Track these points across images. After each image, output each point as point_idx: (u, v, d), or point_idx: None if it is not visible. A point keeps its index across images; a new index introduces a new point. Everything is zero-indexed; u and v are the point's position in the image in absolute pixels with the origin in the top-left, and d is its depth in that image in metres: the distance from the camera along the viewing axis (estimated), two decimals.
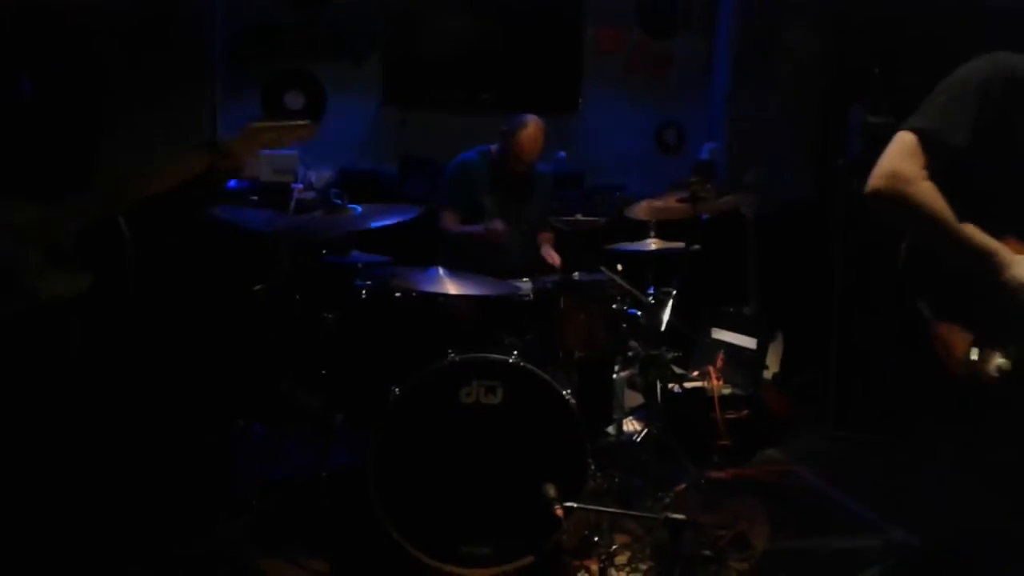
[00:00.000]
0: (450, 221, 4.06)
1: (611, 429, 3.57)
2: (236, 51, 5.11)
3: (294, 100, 5.21)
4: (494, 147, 4.13)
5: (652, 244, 3.71)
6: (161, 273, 2.51)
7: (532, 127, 3.96)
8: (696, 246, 3.57)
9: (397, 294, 3.32)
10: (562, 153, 5.30)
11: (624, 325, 3.51)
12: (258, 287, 3.55)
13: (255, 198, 4.55)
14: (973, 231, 1.98)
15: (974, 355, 1.98)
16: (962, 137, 1.99)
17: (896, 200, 1.99)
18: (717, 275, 4.73)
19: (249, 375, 3.82)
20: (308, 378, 3.57)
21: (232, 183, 4.69)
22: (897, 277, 2.12)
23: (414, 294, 3.30)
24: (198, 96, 4.63)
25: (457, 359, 2.93)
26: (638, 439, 3.50)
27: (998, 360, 1.97)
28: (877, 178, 1.99)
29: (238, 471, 3.50)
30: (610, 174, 5.63)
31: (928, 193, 1.98)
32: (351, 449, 3.36)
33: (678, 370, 3.97)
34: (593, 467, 3.00)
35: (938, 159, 2.00)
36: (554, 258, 4.03)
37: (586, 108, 5.65)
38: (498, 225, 3.89)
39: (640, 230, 3.83)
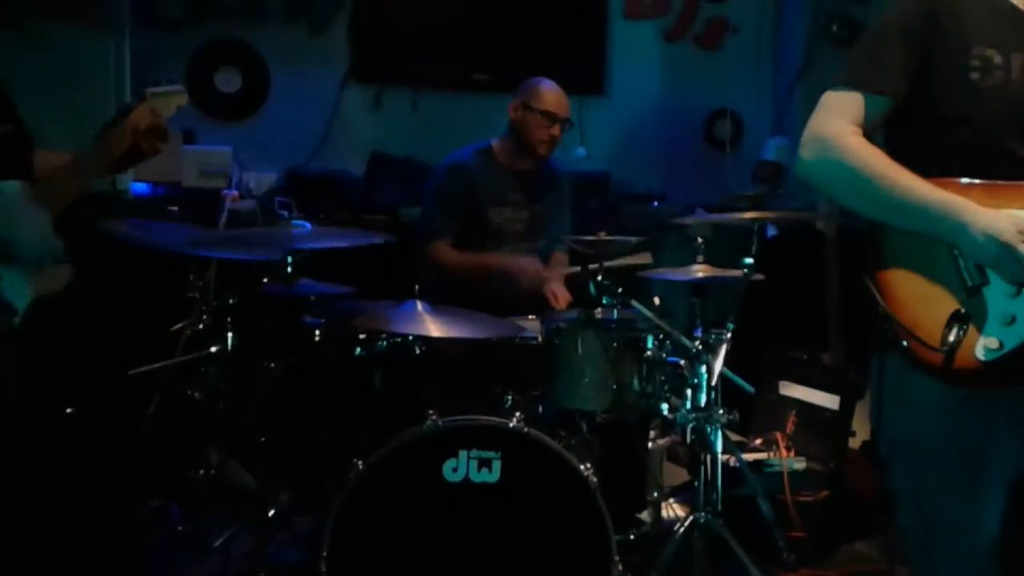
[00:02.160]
0: (444, 251, 4.03)
1: (645, 516, 3.55)
2: (155, 13, 5.13)
3: (228, 79, 5.23)
4: (495, 141, 4.14)
5: (700, 271, 3.70)
6: (48, 309, 2.54)
7: (548, 81, 4.06)
8: (759, 274, 3.55)
9: (361, 336, 3.31)
10: (581, 150, 5.32)
11: (662, 377, 3.48)
12: (177, 327, 3.55)
13: (174, 209, 4.56)
14: (923, 186, 2.07)
15: (952, 335, 2.03)
16: (890, 82, 2.14)
17: (824, 167, 2.14)
18: (786, 311, 4.71)
19: (166, 441, 3.81)
20: (242, 446, 3.55)
21: (141, 189, 4.71)
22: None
23: (384, 336, 3.28)
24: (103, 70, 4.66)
25: (440, 423, 2.92)
26: (681, 530, 3.47)
27: (984, 340, 2.00)
28: (802, 149, 2.16)
29: (149, 567, 3.48)
30: (644, 178, 5.64)
31: (858, 149, 2.11)
32: (298, 541, 3.34)
33: (735, 437, 3.94)
34: (621, 568, 2.98)
35: (871, 113, 2.15)
36: (559, 299, 3.99)
37: (613, 91, 5.68)
38: (531, 265, 3.93)
39: (684, 252, 3.81)
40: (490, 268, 3.97)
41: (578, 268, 3.84)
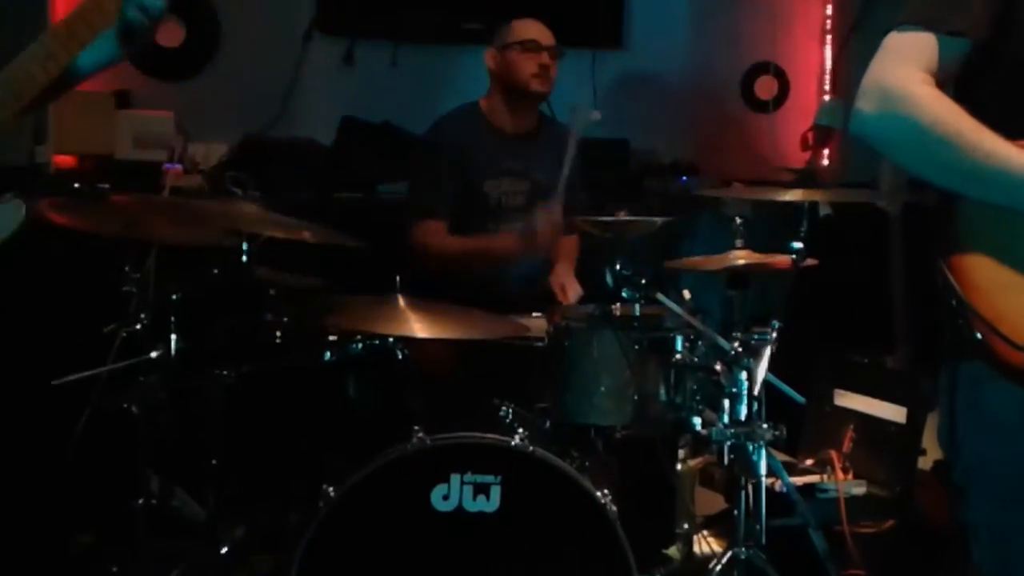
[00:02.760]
0: (439, 236, 4.04)
1: (674, 551, 3.58)
2: None
3: (168, 31, 5.23)
4: (482, 99, 4.14)
5: (740, 257, 3.70)
6: None
7: (528, 20, 4.12)
8: (811, 260, 3.55)
9: (332, 337, 3.32)
10: (596, 113, 5.30)
11: (694, 386, 3.49)
12: (110, 327, 3.54)
13: (105, 186, 4.55)
14: (1010, 149, 2.02)
15: None
16: (971, 21, 2.09)
17: (887, 123, 2.09)
18: (843, 306, 4.71)
19: (97, 465, 3.81)
20: (189, 471, 3.55)
21: (65, 161, 4.71)
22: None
23: (360, 338, 3.28)
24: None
25: (428, 441, 2.92)
26: (717, 567, 3.48)
27: None
28: (860, 100, 2.10)
29: None
30: (670, 147, 5.65)
31: (931, 102, 2.06)
32: None
33: (781, 457, 3.94)
34: None
35: (945, 59, 2.10)
36: (568, 293, 3.98)
37: (633, 42, 5.68)
38: (543, 221, 3.90)
39: (721, 235, 3.82)
40: (500, 253, 3.97)
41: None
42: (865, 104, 2.11)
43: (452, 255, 4.00)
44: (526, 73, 4.05)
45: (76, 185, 4.32)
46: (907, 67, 2.10)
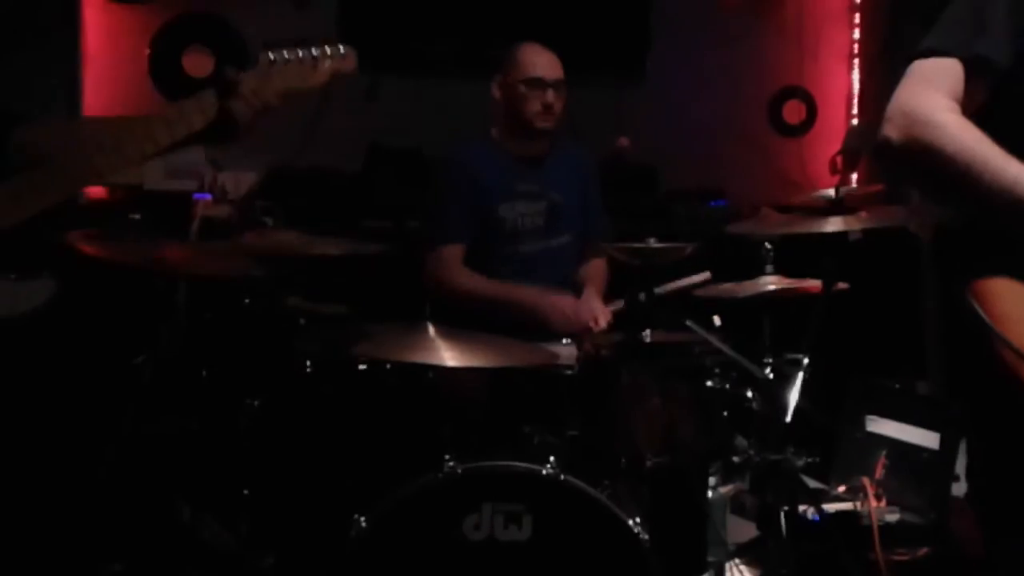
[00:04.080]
0: (457, 266, 3.98)
1: None
2: None
3: (196, 61, 5.27)
4: (494, 129, 4.15)
5: (771, 283, 3.70)
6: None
7: (532, 45, 4.08)
8: (841, 284, 3.55)
9: (362, 366, 3.33)
10: (623, 140, 5.32)
11: (725, 413, 3.48)
12: (140, 359, 3.56)
13: (136, 217, 4.59)
14: None
15: None
16: (996, 47, 2.09)
17: (915, 150, 2.08)
18: (874, 331, 4.69)
19: (129, 495, 3.82)
20: (220, 501, 3.56)
21: (96, 193, 4.74)
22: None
23: (390, 367, 3.29)
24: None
25: (459, 470, 2.92)
26: None
27: None
28: (885, 126, 2.11)
29: None
30: (698, 173, 5.65)
31: (956, 129, 2.06)
32: None
33: (813, 484, 3.93)
34: None
35: (971, 85, 2.11)
36: (598, 319, 3.96)
37: (657, 71, 5.69)
38: (567, 304, 3.86)
39: (751, 261, 3.81)
40: (516, 303, 3.90)
41: (621, 303, 3.84)
42: (890, 131, 2.11)
43: (465, 292, 3.93)
44: (530, 112, 4.01)
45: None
46: (933, 93, 2.11)
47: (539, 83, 3.99)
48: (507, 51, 4.10)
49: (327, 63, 2.66)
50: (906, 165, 2.13)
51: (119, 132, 2.51)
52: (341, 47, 2.68)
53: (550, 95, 4.00)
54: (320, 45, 2.65)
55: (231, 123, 2.53)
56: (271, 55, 2.57)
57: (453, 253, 3.99)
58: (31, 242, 2.56)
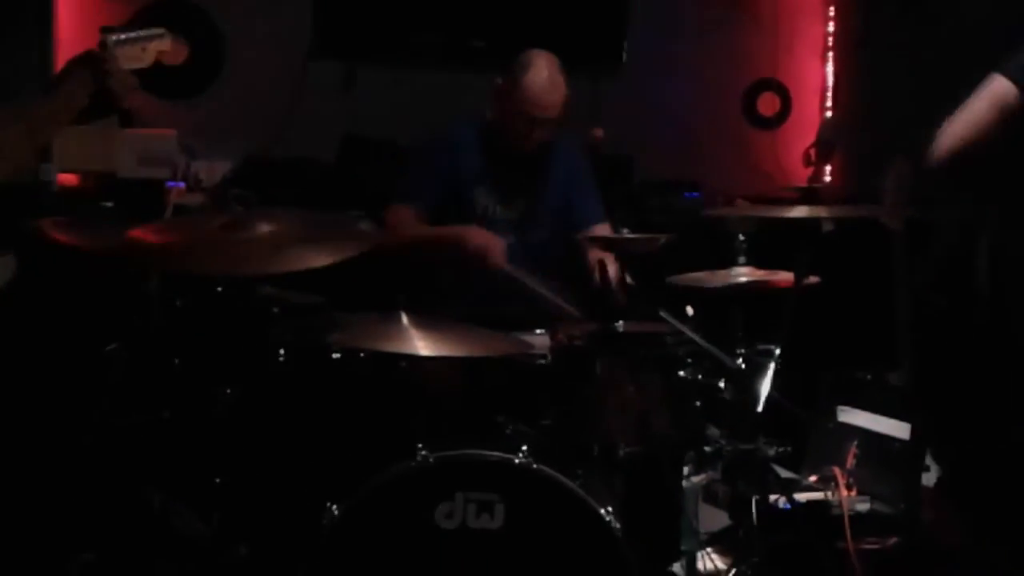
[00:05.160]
0: (403, 219, 4.05)
1: (678, 569, 3.56)
2: None
3: (174, 52, 5.23)
4: (489, 114, 4.15)
5: (743, 274, 3.71)
6: None
7: (543, 65, 4.00)
8: (813, 277, 3.56)
9: (336, 355, 3.32)
10: (598, 130, 5.32)
11: (698, 403, 3.49)
12: (111, 347, 3.55)
13: (109, 205, 4.57)
14: None
15: None
16: None
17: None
18: (846, 322, 4.71)
19: (100, 484, 3.80)
20: (192, 489, 3.56)
21: (68, 180, 4.72)
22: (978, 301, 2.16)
23: (363, 356, 3.28)
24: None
25: (432, 459, 2.92)
26: None
27: None
28: (937, 143, 2.17)
29: None
30: (673, 164, 5.65)
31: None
32: None
33: (785, 473, 3.94)
34: None
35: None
36: (609, 270, 3.93)
37: (634, 62, 5.70)
38: (487, 238, 3.89)
39: (723, 251, 3.82)
40: (438, 237, 3.97)
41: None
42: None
43: (407, 239, 3.97)
44: (515, 133, 4.03)
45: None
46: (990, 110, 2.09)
47: (529, 120, 3.98)
48: (518, 60, 4.03)
49: (152, 45, 2.86)
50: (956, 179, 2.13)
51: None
52: (168, 37, 2.92)
53: (540, 132, 4.01)
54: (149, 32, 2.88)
55: (109, 96, 2.71)
56: (112, 37, 2.77)
57: (403, 212, 4.04)
58: None
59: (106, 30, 2.77)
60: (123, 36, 2.77)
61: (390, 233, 4.00)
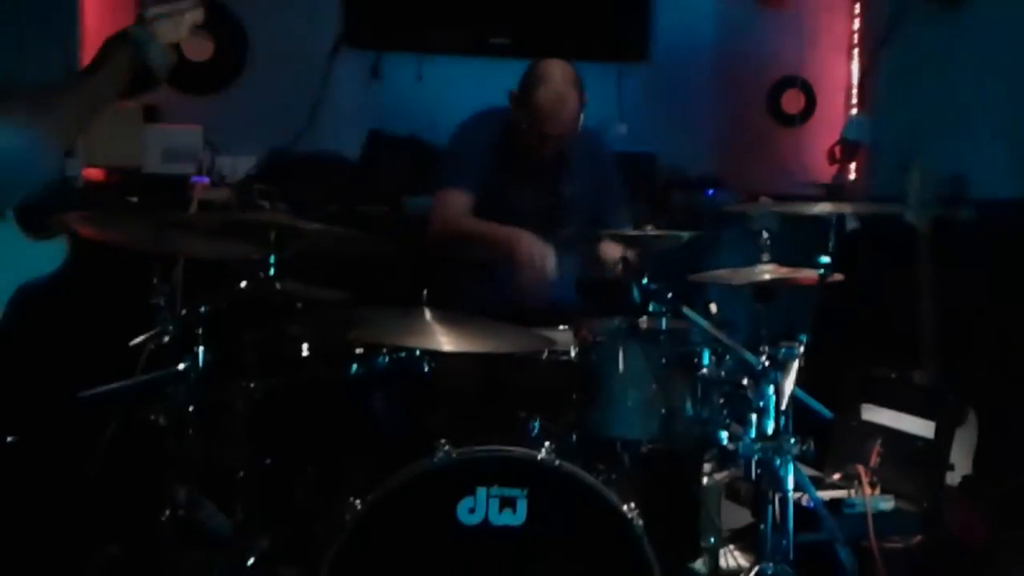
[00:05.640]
0: (458, 208, 4.03)
1: (700, 566, 3.57)
2: None
3: (197, 45, 5.26)
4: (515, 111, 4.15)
5: (765, 272, 3.70)
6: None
7: (554, 76, 3.97)
8: (837, 275, 3.55)
9: (358, 351, 3.33)
10: (622, 127, 5.33)
11: (720, 400, 3.48)
12: (137, 340, 3.56)
13: (134, 200, 4.58)
14: None
15: None
16: None
17: None
18: (870, 321, 4.70)
19: (124, 476, 3.82)
20: (216, 483, 3.56)
21: (94, 175, 4.73)
22: None
23: (386, 351, 3.29)
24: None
25: (454, 455, 2.92)
26: None
27: None
28: None
29: None
30: (696, 161, 5.65)
31: None
32: None
33: (808, 471, 3.93)
34: None
35: None
36: (608, 253, 3.92)
37: (658, 56, 5.68)
38: (539, 247, 3.84)
39: (747, 248, 3.81)
40: (492, 238, 3.95)
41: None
42: None
43: (461, 232, 3.99)
44: (527, 142, 4.04)
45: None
46: None
47: (539, 135, 3.98)
48: (532, 70, 4.02)
49: (187, 17, 2.82)
50: None
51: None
52: (200, 7, 2.86)
53: (551, 144, 4.01)
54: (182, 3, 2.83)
55: (150, 72, 2.69)
56: (150, 11, 2.75)
57: (455, 197, 4.04)
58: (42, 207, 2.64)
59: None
60: (160, 10, 2.76)
61: (446, 222, 4.00)
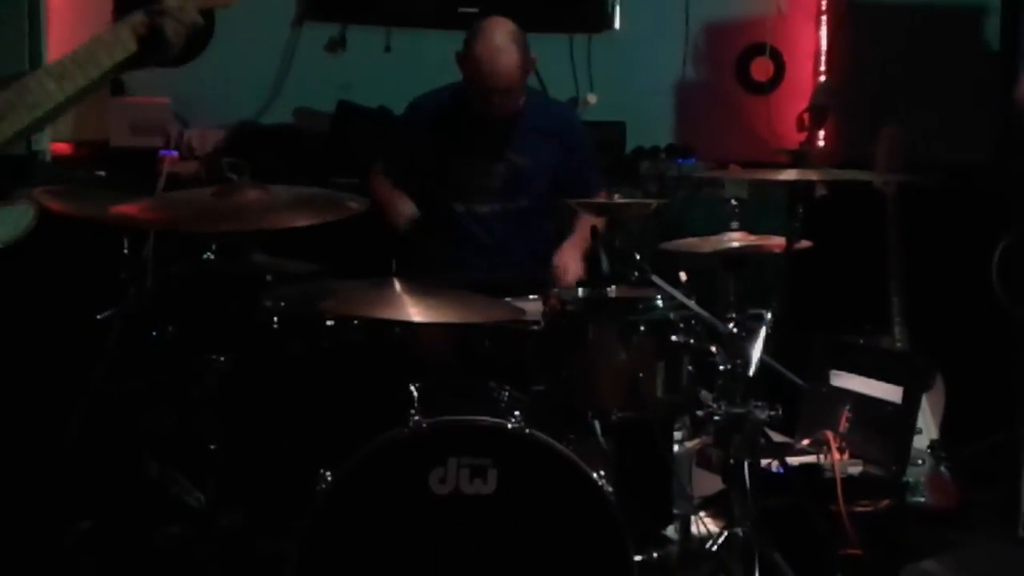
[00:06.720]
0: (372, 183, 4.19)
1: (671, 532, 3.57)
2: None
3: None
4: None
5: (735, 239, 3.71)
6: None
7: (493, 31, 3.94)
8: (805, 241, 3.56)
9: (329, 322, 3.33)
10: (591, 96, 5.31)
11: (690, 368, 3.50)
12: (104, 314, 3.55)
13: (101, 173, 4.56)
14: None
15: None
16: None
17: None
18: (838, 287, 4.71)
19: (95, 450, 3.81)
20: (188, 455, 3.56)
21: (61, 149, 4.70)
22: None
23: (356, 322, 3.29)
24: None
25: (424, 425, 2.93)
26: (714, 547, 3.49)
27: None
28: None
29: None
30: (665, 129, 5.64)
31: None
32: (256, 567, 3.33)
33: (777, 437, 3.95)
34: None
35: None
36: (567, 272, 3.97)
37: (625, 23, 5.67)
38: (405, 210, 4.00)
39: (715, 216, 3.82)
40: (379, 200, 4.06)
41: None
42: None
43: (373, 201, 3.94)
44: (476, 101, 4.02)
45: None
46: None
47: (482, 94, 3.96)
48: (472, 28, 4.00)
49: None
50: None
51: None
52: None
53: (496, 99, 3.97)
54: None
55: (162, 42, 2.69)
56: None
57: (377, 177, 4.21)
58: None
59: None
60: None
61: (370, 193, 4.07)
